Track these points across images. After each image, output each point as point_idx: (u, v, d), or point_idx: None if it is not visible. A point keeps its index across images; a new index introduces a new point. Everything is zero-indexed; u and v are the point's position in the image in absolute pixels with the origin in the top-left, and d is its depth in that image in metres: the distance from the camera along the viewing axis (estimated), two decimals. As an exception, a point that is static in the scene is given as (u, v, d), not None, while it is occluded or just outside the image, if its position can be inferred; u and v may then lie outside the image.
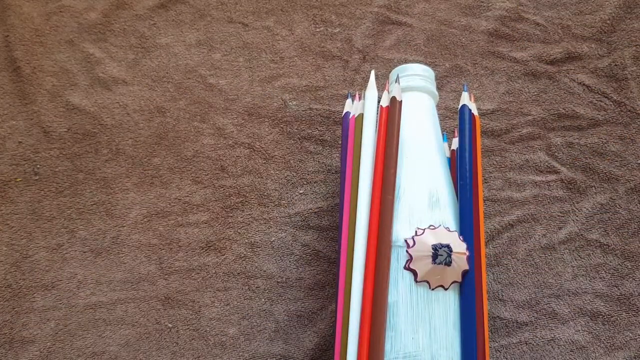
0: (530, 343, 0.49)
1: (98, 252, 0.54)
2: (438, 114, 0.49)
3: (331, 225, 0.54)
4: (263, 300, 0.52)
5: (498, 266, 0.52)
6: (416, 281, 0.38)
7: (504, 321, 0.50)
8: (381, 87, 0.48)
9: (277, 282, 0.53)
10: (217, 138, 0.58)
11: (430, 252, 0.38)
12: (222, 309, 0.52)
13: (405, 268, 0.38)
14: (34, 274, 0.53)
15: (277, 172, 0.57)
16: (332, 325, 0.51)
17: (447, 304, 0.39)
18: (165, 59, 0.62)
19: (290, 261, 0.53)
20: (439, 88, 0.57)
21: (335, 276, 0.52)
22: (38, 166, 0.57)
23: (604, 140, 0.57)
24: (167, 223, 0.55)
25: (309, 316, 0.51)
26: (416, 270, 0.38)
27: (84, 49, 0.62)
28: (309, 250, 0.53)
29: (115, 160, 0.57)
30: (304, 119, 0.59)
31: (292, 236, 0.54)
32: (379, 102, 0.45)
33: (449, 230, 0.39)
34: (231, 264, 0.53)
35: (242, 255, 0.53)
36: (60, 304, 0.52)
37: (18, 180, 0.56)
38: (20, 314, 0.52)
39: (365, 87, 0.48)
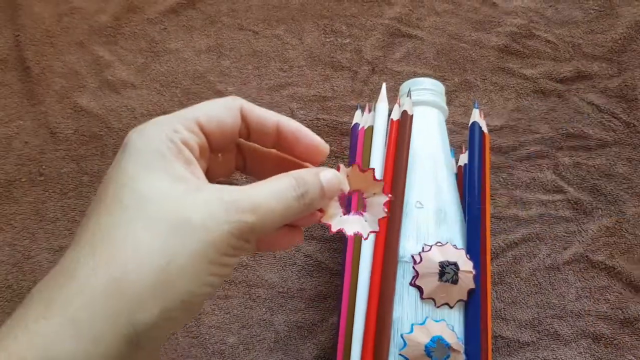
0: (532, 363, 0.49)
1: (100, 255, 0.53)
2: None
3: (334, 236, 0.54)
4: (263, 309, 0.52)
5: (501, 284, 0.52)
6: (422, 298, 0.38)
7: (506, 340, 0.50)
8: (390, 100, 0.48)
9: (278, 292, 0.52)
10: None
11: (437, 269, 0.38)
12: (222, 317, 0.51)
13: (410, 284, 0.38)
14: (35, 276, 0.53)
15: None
16: (333, 338, 0.50)
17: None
18: (175, 64, 0.62)
19: (292, 271, 0.53)
20: (447, 102, 0.57)
21: (337, 288, 0.52)
22: (43, 167, 0.57)
23: (612, 162, 0.56)
24: (171, 229, 0.54)
25: (309, 327, 0.51)
26: (422, 287, 0.38)
27: (93, 51, 0.62)
28: (311, 261, 0.53)
29: (120, 164, 0.57)
30: (310, 128, 0.58)
31: (295, 246, 0.54)
32: (389, 115, 0.45)
33: (457, 248, 0.39)
34: (233, 272, 0.53)
35: (244, 263, 0.53)
36: (61, 306, 0.52)
37: (23, 180, 0.56)
38: (20, 315, 0.52)
39: (376, 99, 0.48)
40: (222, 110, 0.29)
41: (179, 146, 0.26)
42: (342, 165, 0.31)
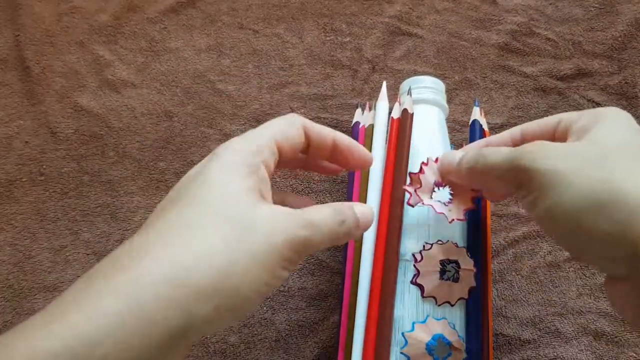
0: (533, 361, 0.49)
1: (101, 254, 0.54)
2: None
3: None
4: (265, 308, 0.52)
5: (502, 282, 0.52)
6: (423, 296, 0.38)
7: (507, 338, 0.50)
8: (390, 98, 0.48)
9: (280, 290, 0.52)
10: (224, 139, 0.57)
11: (438, 267, 0.38)
12: (224, 316, 0.51)
13: (412, 283, 0.38)
14: (36, 275, 0.53)
15: (282, 180, 0.56)
16: (334, 337, 0.50)
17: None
18: (175, 63, 0.62)
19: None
20: (447, 100, 0.57)
21: (338, 287, 0.52)
22: (44, 167, 0.57)
23: (613, 159, 0.56)
24: (172, 228, 0.54)
25: (310, 326, 0.51)
26: (423, 285, 0.38)
27: (94, 51, 0.62)
28: (312, 260, 0.53)
29: (121, 163, 0.57)
30: (311, 127, 0.58)
31: (297, 245, 0.54)
32: (389, 113, 0.45)
33: (457, 246, 0.39)
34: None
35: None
36: (62, 306, 0.52)
37: (23, 180, 0.56)
38: (21, 315, 0.52)
39: (376, 97, 0.48)
40: (293, 130, 0.33)
41: (259, 165, 0.30)
42: (430, 159, 0.39)
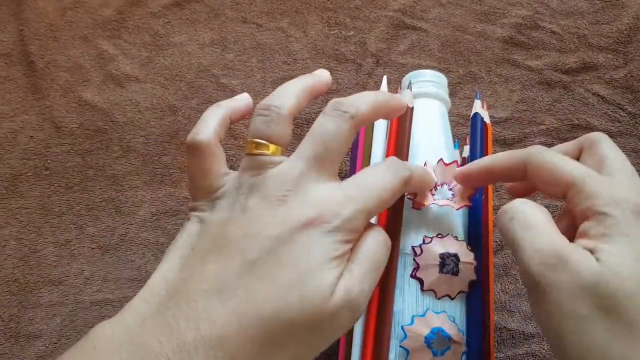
0: (537, 355, 0.49)
1: (106, 249, 0.54)
2: (450, 121, 0.49)
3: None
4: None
5: (506, 276, 0.52)
6: (422, 290, 0.38)
7: (511, 332, 0.50)
8: (394, 92, 0.48)
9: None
10: (228, 138, 0.58)
11: (437, 261, 0.38)
12: (227, 309, 0.51)
13: (411, 276, 0.38)
14: (41, 269, 0.53)
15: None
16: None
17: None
18: (179, 57, 0.62)
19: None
20: (452, 94, 0.57)
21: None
22: (49, 161, 0.57)
23: (618, 152, 0.56)
24: (176, 222, 0.55)
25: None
26: (423, 279, 0.38)
27: (97, 45, 0.62)
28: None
29: (125, 158, 0.57)
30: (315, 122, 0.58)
31: (300, 239, 0.54)
32: (390, 107, 0.44)
33: (457, 239, 0.39)
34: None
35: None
36: (67, 300, 0.52)
37: (28, 174, 0.57)
38: (27, 309, 0.52)
39: (378, 92, 0.48)
40: (397, 195, 0.33)
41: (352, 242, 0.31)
42: (428, 162, 0.40)
